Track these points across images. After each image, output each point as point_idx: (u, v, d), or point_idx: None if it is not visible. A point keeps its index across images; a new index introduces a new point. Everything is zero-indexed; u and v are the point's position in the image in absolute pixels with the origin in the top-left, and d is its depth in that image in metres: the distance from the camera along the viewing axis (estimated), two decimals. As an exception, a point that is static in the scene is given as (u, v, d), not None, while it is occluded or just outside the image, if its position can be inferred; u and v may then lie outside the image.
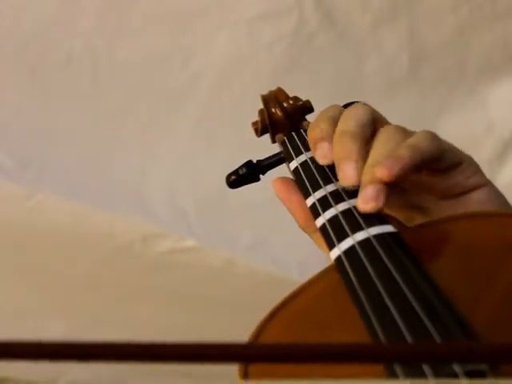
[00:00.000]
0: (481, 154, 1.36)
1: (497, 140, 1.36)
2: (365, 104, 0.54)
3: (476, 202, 0.52)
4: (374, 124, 0.52)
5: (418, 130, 0.52)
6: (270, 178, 0.59)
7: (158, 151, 1.37)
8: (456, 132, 1.34)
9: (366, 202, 0.46)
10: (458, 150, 0.52)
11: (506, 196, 0.54)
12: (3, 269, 1.39)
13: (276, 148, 0.62)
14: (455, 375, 0.33)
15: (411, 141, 0.49)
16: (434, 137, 0.50)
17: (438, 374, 0.33)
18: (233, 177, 0.59)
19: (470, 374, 0.33)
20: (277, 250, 1.33)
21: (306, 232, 0.55)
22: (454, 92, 1.36)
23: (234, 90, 1.33)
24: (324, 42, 1.31)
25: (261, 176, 0.60)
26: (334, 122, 0.52)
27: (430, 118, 1.35)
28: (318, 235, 0.51)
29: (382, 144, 0.49)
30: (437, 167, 0.51)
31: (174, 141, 1.37)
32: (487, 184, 0.53)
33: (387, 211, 0.54)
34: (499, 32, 1.31)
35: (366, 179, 0.47)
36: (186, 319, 1.39)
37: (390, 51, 1.33)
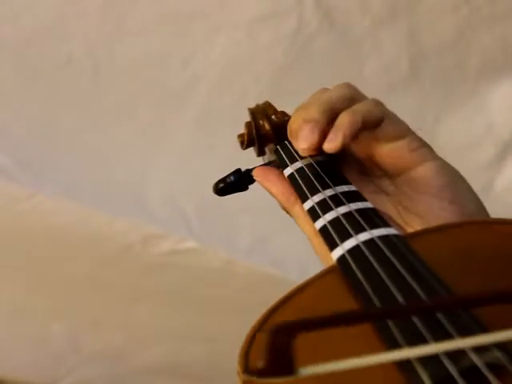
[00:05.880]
0: (481, 155, 1.36)
1: (497, 141, 1.36)
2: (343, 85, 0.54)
3: (421, 177, 0.51)
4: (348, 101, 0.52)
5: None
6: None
7: (158, 151, 1.37)
8: (456, 133, 1.34)
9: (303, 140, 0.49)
10: (405, 124, 0.52)
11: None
12: (3, 269, 1.39)
13: (261, 161, 0.62)
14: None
15: (354, 107, 0.50)
16: (376, 103, 0.51)
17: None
18: (220, 184, 0.59)
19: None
20: (276, 251, 1.34)
21: (285, 209, 0.55)
22: (454, 93, 1.36)
23: (234, 91, 1.33)
24: (324, 42, 1.31)
25: (249, 186, 0.59)
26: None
27: (429, 118, 1.35)
28: (298, 210, 0.52)
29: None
30: (379, 133, 0.51)
31: (173, 141, 1.37)
32: (435, 160, 0.52)
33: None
34: (499, 32, 1.31)
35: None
36: (186, 319, 1.39)
37: (389, 52, 1.33)
